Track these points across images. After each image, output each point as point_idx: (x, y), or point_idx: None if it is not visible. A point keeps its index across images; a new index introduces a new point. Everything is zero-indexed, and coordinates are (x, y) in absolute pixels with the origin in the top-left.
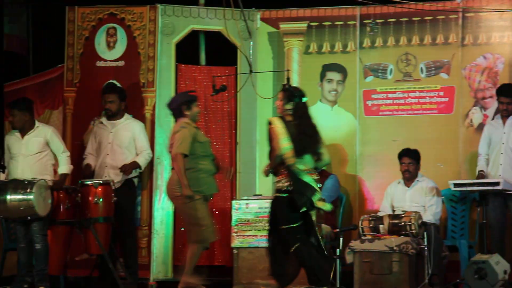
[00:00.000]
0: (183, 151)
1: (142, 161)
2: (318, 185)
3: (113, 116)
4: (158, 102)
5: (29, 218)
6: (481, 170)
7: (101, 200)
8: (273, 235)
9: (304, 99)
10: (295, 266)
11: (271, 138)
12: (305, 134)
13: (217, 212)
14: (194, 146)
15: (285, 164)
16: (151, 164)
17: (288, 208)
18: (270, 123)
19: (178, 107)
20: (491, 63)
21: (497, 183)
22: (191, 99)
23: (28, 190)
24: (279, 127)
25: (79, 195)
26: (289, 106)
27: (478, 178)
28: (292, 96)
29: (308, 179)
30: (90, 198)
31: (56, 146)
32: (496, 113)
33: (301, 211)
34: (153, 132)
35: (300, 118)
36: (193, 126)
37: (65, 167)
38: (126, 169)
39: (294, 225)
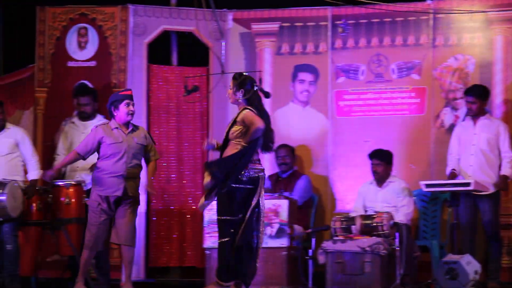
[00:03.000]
0: None
1: None
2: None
3: (87, 117)
4: None
5: (0, 219)
6: (453, 169)
7: (72, 201)
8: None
9: (255, 87)
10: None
11: (249, 122)
12: (267, 124)
13: (188, 215)
14: None
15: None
16: None
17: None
18: (244, 109)
19: None
20: (462, 64)
21: (467, 184)
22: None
23: (0, 190)
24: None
25: (51, 196)
26: (240, 94)
27: (450, 177)
28: (243, 84)
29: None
30: (61, 199)
31: (26, 149)
32: (466, 114)
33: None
34: None
35: (257, 108)
36: None
37: (35, 173)
38: None
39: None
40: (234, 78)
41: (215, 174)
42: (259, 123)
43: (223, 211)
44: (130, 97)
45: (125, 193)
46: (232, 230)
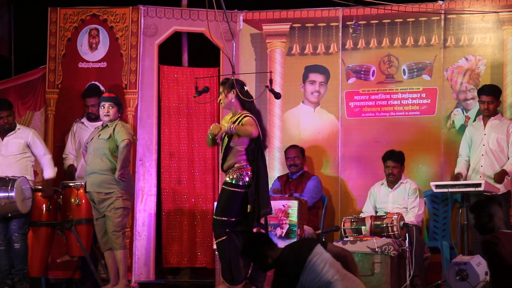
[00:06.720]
0: None
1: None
2: None
3: (95, 118)
4: (140, 104)
5: (9, 215)
6: (459, 173)
7: (82, 201)
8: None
9: (246, 88)
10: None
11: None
12: (259, 122)
13: (198, 216)
14: None
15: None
16: (132, 166)
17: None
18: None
19: None
20: (473, 65)
21: (478, 185)
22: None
23: (9, 186)
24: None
25: (61, 196)
26: (232, 95)
27: (453, 178)
28: (233, 85)
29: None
30: (71, 200)
31: (37, 149)
32: (477, 114)
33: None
34: (135, 134)
35: (250, 109)
36: None
37: (49, 171)
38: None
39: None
40: (222, 83)
41: (270, 212)
42: (255, 132)
43: (221, 211)
44: None
45: None
46: (228, 230)
